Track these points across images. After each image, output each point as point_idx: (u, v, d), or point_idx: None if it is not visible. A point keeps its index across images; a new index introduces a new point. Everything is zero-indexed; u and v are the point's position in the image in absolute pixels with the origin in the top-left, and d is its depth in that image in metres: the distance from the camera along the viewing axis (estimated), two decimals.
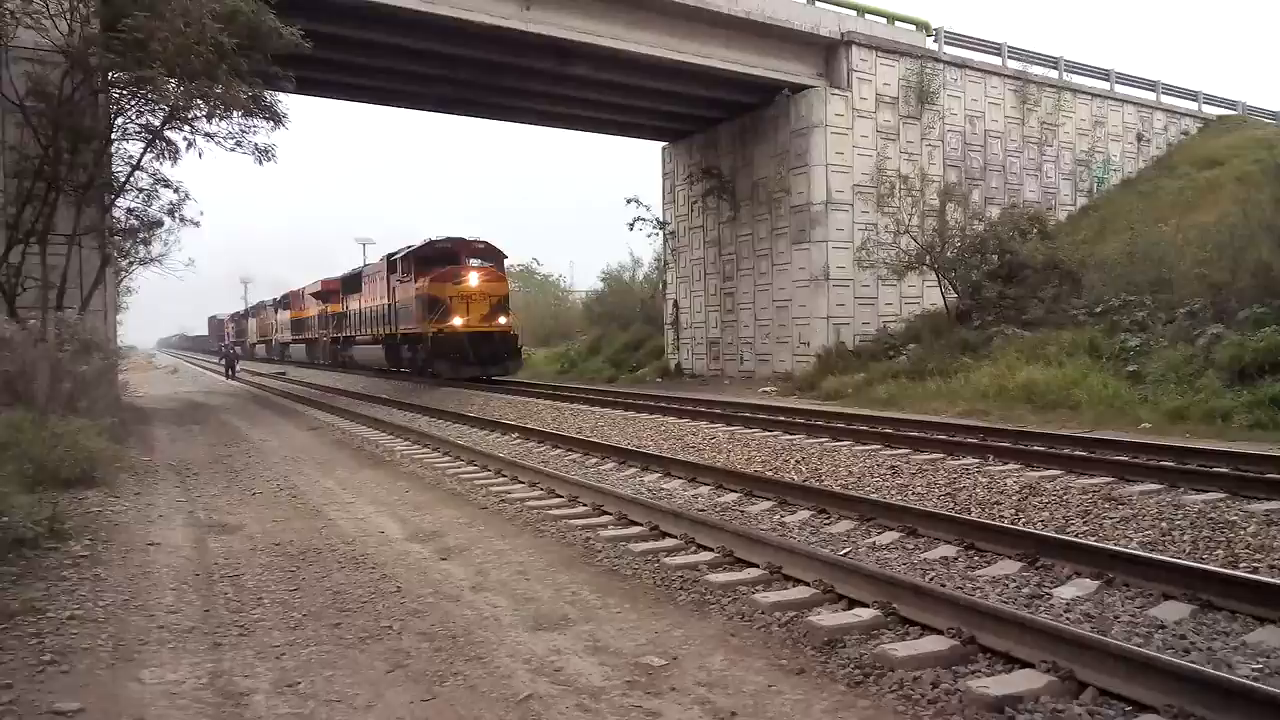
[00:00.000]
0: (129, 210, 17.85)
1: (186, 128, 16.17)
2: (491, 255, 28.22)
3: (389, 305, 30.28)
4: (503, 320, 26.75)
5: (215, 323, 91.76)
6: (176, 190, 17.37)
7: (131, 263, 20.75)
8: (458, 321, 25.71)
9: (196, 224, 18.41)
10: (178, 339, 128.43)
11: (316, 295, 43.06)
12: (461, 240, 28.00)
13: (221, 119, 15.98)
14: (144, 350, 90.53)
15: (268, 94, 16.49)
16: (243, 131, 16.59)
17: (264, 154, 17.01)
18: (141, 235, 18.58)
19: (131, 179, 16.92)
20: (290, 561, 6.68)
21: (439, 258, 27.27)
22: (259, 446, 13.93)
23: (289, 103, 17.55)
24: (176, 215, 17.50)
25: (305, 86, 21.33)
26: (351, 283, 36.31)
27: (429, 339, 25.96)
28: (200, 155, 17.00)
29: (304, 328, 47.70)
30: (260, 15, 14.71)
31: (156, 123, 16.25)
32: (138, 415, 19.09)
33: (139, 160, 16.62)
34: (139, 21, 13.47)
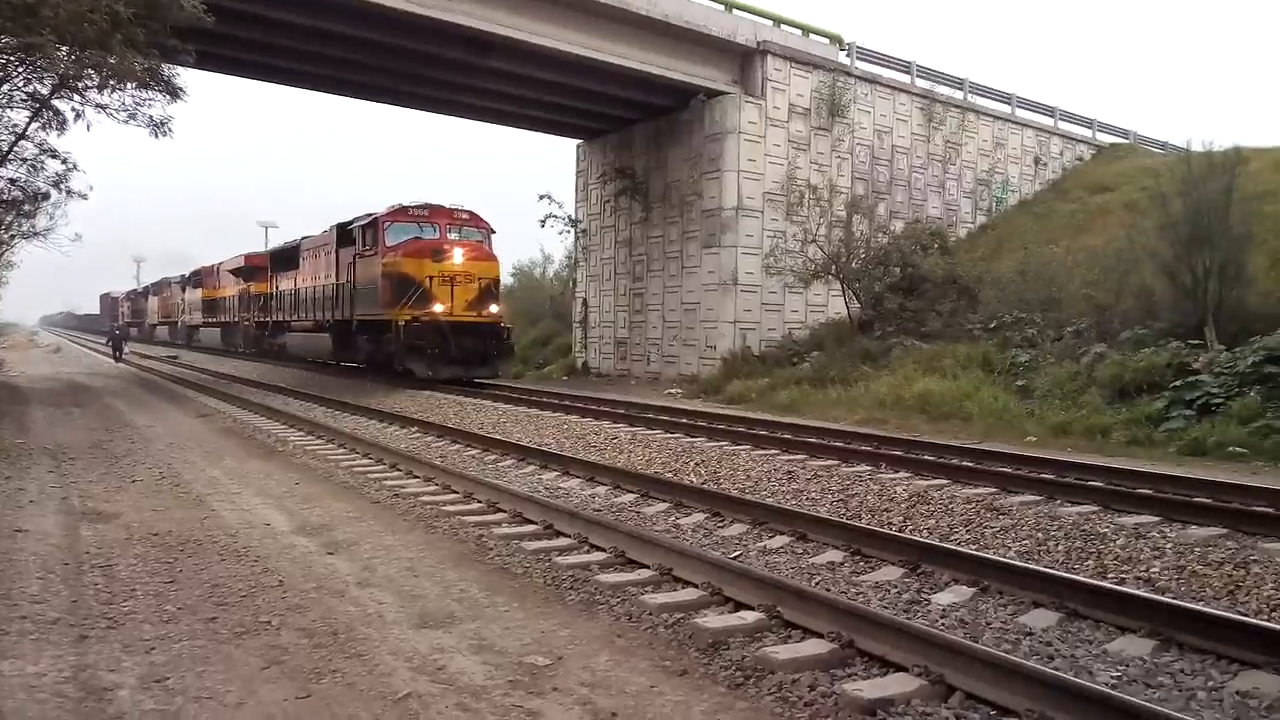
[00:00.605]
0: (11, 181, 17.05)
1: (76, 98, 15.52)
2: (478, 227, 23.14)
3: (339, 285, 24.93)
4: (494, 309, 21.98)
5: (108, 301, 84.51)
6: (64, 161, 16.65)
7: (14, 236, 19.81)
8: (438, 308, 20.75)
9: (84, 197, 17.76)
10: (63, 317, 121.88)
11: (236, 272, 37.77)
12: (441, 208, 23.18)
13: (115, 90, 15.41)
14: (25, 328, 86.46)
15: (166, 67, 15.92)
16: (137, 104, 16.03)
17: (159, 127, 16.48)
18: (25, 208, 17.76)
19: (15, 149, 16.14)
20: (167, 553, 6.44)
21: (412, 228, 22.41)
22: (143, 432, 13.41)
23: (191, 77, 16.97)
24: (63, 187, 16.78)
25: (209, 62, 20.67)
26: (285, 258, 30.91)
27: (399, 328, 20.83)
28: (89, 127, 16.34)
29: (219, 309, 42.30)
30: None
31: (45, 91, 15.57)
32: (14, 396, 18.21)
33: (24, 130, 15.86)
34: None
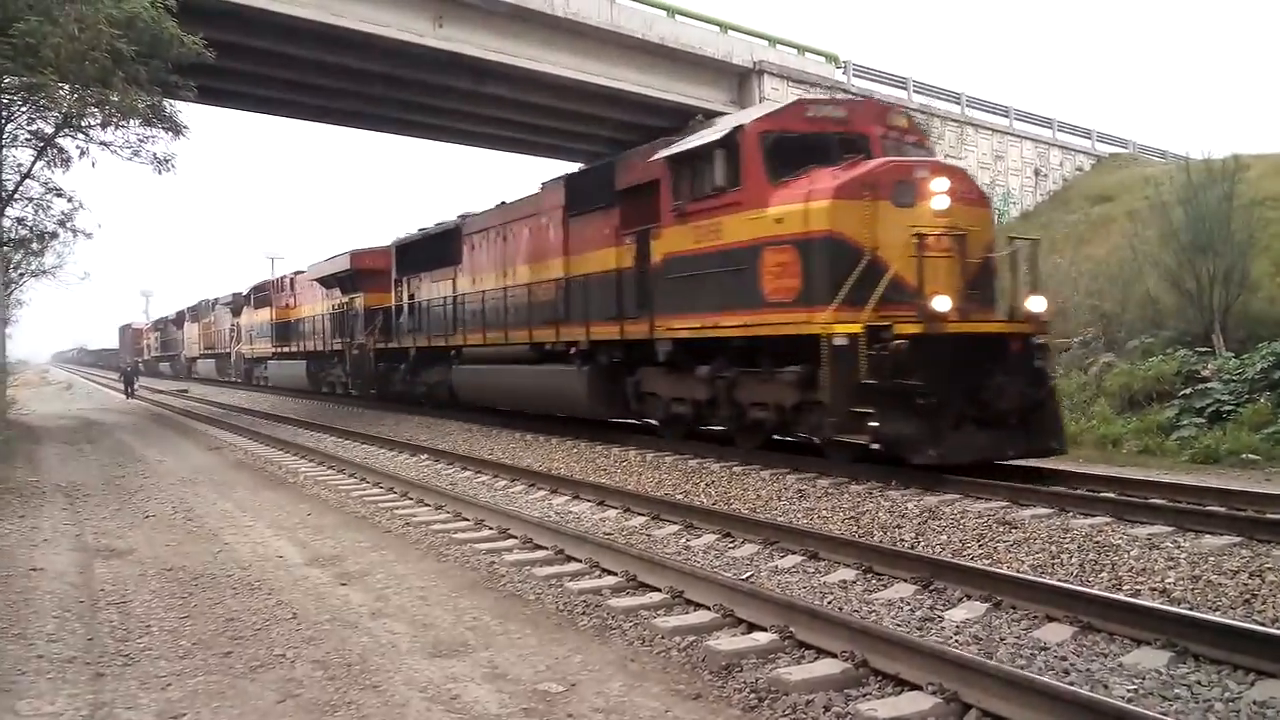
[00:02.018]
0: (19, 220, 17.20)
1: (80, 135, 15.68)
2: (921, 142, 12.29)
3: (599, 278, 13.84)
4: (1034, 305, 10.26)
5: (129, 333, 73.52)
6: (70, 200, 16.81)
7: (23, 274, 19.97)
8: (941, 305, 9.36)
9: (90, 235, 17.92)
10: (77, 353, 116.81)
11: (329, 281, 27.40)
12: (865, 101, 15.33)
13: (118, 127, 15.55)
14: (37, 365, 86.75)
15: (168, 103, 16.10)
16: (140, 141, 16.18)
17: (163, 163, 16.64)
18: (33, 246, 17.91)
19: (21, 188, 16.30)
20: (182, 587, 6.47)
21: (817, 143, 10.84)
22: (154, 467, 13.45)
23: (197, 113, 17.18)
24: (69, 226, 16.93)
25: (211, 96, 20.91)
26: (428, 250, 20.68)
27: (839, 352, 9.57)
28: (94, 164, 16.53)
29: (297, 334, 31.31)
30: (160, 22, 14.38)
31: (49, 130, 15.73)
32: (26, 434, 18.28)
33: (29, 169, 16.03)
34: (31, 26, 13.02)
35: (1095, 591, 5.65)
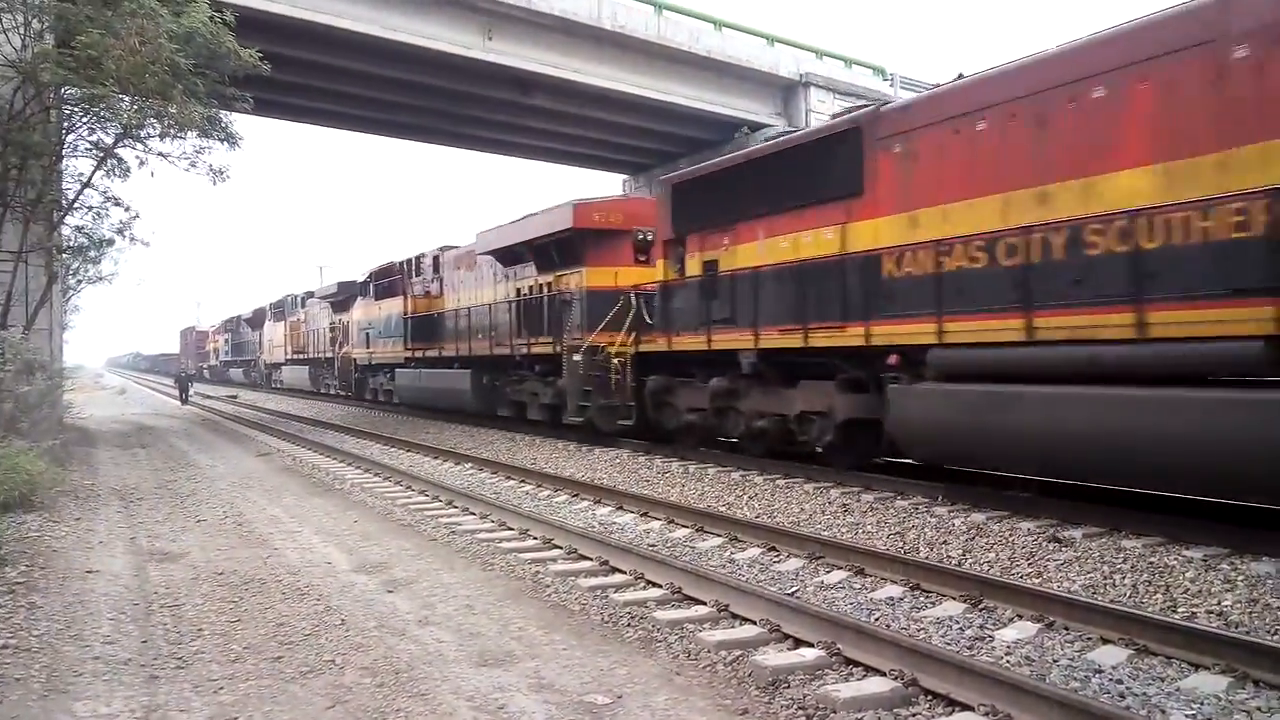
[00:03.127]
0: (78, 228, 17.63)
1: (139, 146, 16.04)
2: None
3: None
4: None
5: (192, 336, 67.38)
6: (127, 209, 17.19)
7: (80, 281, 20.45)
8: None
9: (146, 244, 18.28)
10: (131, 358, 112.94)
11: (513, 253, 19.00)
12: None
13: (175, 139, 15.88)
14: (91, 370, 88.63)
15: (224, 115, 16.43)
16: (197, 152, 16.51)
17: (218, 174, 16.94)
18: (91, 254, 18.34)
19: (81, 196, 16.72)
20: (232, 592, 6.57)
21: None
22: (206, 472, 13.69)
23: (246, 122, 17.53)
24: (126, 234, 17.31)
25: (263, 108, 21.28)
26: (796, 169, 11.53)
27: None
28: (153, 174, 16.97)
29: (447, 331, 22.33)
30: (218, 37, 14.69)
31: (109, 140, 16.14)
32: (82, 437, 18.69)
33: (89, 178, 16.43)
34: (93, 39, 13.36)
35: (1151, 615, 5.53)
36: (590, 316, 15.71)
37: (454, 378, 21.30)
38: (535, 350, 17.73)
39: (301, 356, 38.09)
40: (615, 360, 14.83)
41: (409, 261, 25.47)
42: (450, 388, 21.49)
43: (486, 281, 20.66)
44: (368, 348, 28.56)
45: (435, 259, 24.02)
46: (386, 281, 26.80)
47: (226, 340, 55.18)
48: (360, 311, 29.35)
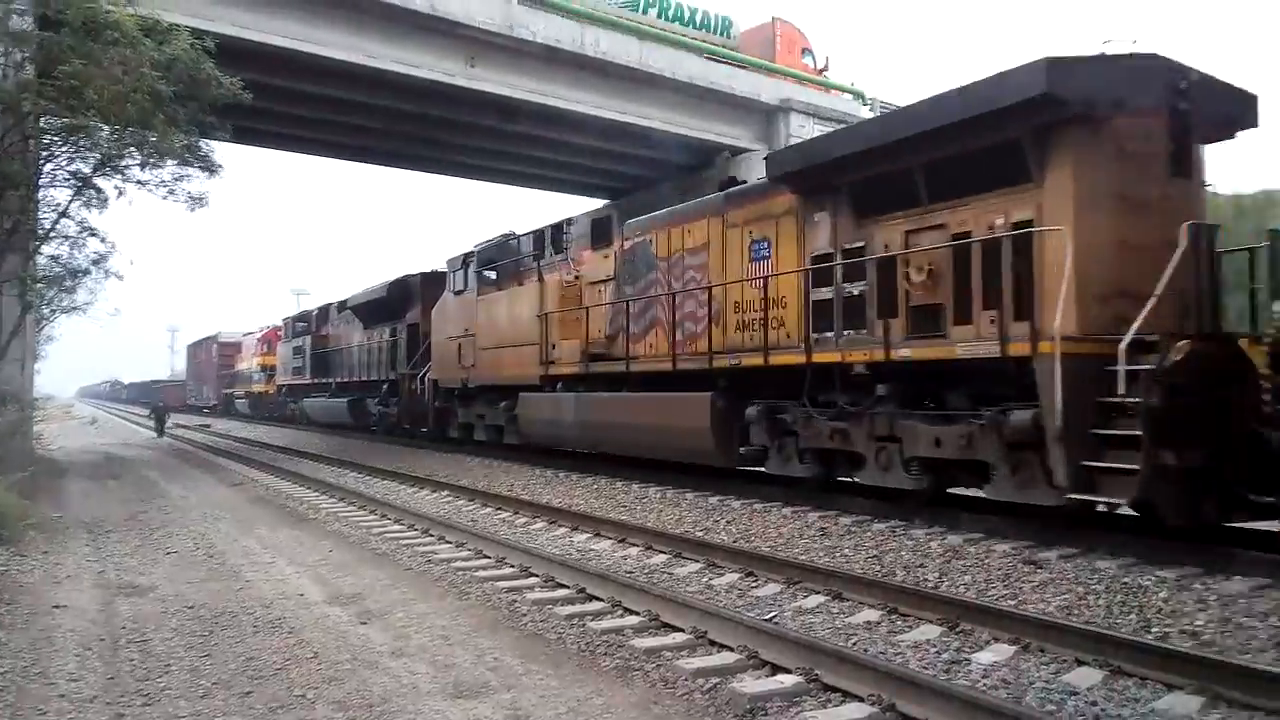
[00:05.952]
0: (53, 258, 17.49)
1: (118, 176, 15.97)
2: None
3: None
4: None
5: (211, 351, 53.38)
6: (103, 240, 17.09)
7: (54, 311, 20.25)
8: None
9: (120, 277, 18.17)
10: (110, 387, 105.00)
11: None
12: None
13: (155, 167, 15.82)
14: (62, 400, 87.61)
15: (203, 143, 16.40)
16: (176, 180, 16.45)
17: (197, 201, 16.87)
18: (66, 284, 18.19)
19: (57, 226, 16.60)
20: (203, 625, 6.48)
21: None
22: (177, 503, 13.53)
23: (225, 149, 17.51)
24: (102, 267, 17.19)
25: (243, 136, 21.29)
26: None
27: None
28: (130, 203, 16.84)
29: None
30: (199, 64, 14.67)
31: (87, 170, 16.05)
32: (51, 469, 18.43)
33: (65, 208, 16.32)
34: (75, 69, 13.31)
35: (1125, 635, 5.54)
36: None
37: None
38: None
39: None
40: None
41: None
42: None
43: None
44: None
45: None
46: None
47: (294, 351, 33.92)
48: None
